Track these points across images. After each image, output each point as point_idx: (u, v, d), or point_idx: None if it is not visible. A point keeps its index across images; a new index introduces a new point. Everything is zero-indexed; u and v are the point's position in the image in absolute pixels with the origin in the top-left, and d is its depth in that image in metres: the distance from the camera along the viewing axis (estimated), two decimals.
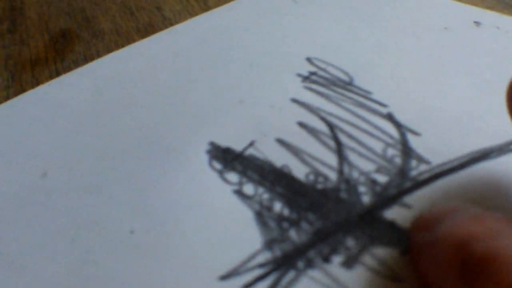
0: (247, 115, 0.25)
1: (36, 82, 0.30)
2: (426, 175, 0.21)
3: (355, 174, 0.22)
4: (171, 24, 0.35)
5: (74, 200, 0.21)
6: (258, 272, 0.18)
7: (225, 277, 0.18)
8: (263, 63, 0.29)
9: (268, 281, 0.18)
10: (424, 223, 0.18)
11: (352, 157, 0.22)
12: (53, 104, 0.27)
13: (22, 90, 0.29)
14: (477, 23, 0.32)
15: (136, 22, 0.36)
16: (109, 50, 0.32)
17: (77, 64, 0.31)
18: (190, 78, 0.28)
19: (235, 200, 0.21)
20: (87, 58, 0.32)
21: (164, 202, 0.21)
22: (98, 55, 0.32)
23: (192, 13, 0.36)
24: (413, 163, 0.22)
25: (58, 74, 0.30)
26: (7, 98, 0.28)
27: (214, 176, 0.22)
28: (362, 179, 0.21)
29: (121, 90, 0.27)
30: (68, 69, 0.31)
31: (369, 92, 0.26)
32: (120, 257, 0.19)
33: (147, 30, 0.35)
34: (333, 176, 0.22)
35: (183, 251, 0.19)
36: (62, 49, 0.33)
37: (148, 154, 0.23)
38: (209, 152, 0.23)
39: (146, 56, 0.30)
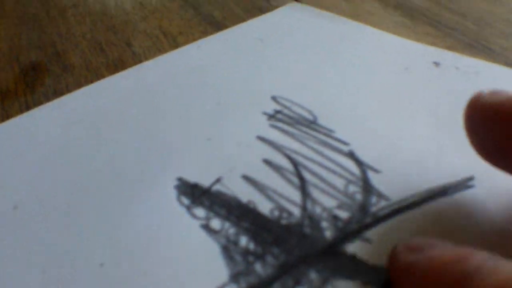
0: (214, 152, 0.26)
1: (6, 115, 0.30)
2: (385, 211, 0.22)
3: (318, 210, 0.22)
4: (141, 60, 0.36)
5: (44, 232, 0.22)
6: None
7: None
8: (231, 101, 0.30)
9: None
10: (409, 247, 0.18)
11: (315, 193, 0.23)
12: (24, 137, 0.27)
13: None
14: (436, 64, 0.34)
15: (106, 57, 0.37)
16: (78, 84, 0.33)
17: (47, 97, 0.32)
18: (159, 114, 0.29)
19: (202, 234, 0.22)
20: (57, 92, 0.32)
21: (133, 236, 0.22)
22: (68, 89, 0.33)
23: (161, 50, 0.37)
24: (374, 199, 0.23)
25: (28, 107, 0.31)
26: None
27: (182, 211, 0.23)
28: (324, 214, 0.22)
29: (91, 125, 0.28)
30: (38, 102, 0.31)
31: (331, 131, 0.27)
32: None
33: (117, 65, 0.35)
34: (296, 211, 0.22)
35: (151, 284, 0.20)
36: (32, 82, 0.34)
37: (118, 188, 0.24)
38: (177, 187, 0.24)
39: (116, 92, 0.31)
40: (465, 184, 0.24)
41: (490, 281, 0.14)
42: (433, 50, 0.36)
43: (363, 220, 0.22)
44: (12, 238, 0.22)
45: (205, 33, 0.40)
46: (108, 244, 0.21)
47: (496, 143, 0.20)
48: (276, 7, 0.45)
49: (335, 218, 0.22)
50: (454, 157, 0.25)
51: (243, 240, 0.21)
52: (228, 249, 0.21)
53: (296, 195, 0.23)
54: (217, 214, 0.22)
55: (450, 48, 0.37)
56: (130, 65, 0.35)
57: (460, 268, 0.15)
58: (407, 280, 0.18)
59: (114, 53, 0.37)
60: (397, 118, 0.28)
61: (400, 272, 0.18)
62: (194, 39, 0.38)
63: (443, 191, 0.23)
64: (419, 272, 0.17)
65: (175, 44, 0.38)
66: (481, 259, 0.15)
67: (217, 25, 0.42)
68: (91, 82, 0.33)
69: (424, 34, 0.40)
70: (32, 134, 0.27)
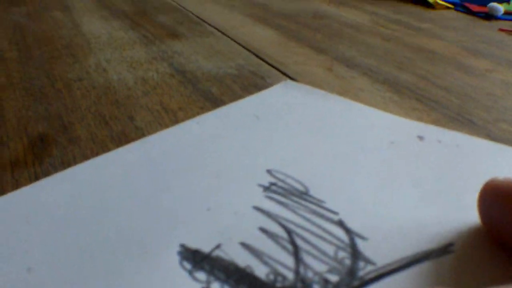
0: (214, 221, 0.28)
1: (16, 183, 0.32)
2: (372, 275, 0.24)
3: (310, 274, 0.24)
4: (143, 134, 0.38)
5: None
6: None
7: None
8: (228, 173, 0.32)
9: None
10: None
11: (307, 259, 0.25)
12: (34, 205, 0.29)
13: (2, 190, 0.31)
14: (420, 137, 0.36)
15: (110, 130, 0.39)
16: (85, 156, 0.35)
17: (55, 167, 0.34)
18: (162, 185, 0.31)
19: None
20: (64, 163, 0.34)
21: None
22: (75, 160, 0.35)
23: (162, 124, 0.40)
24: (361, 264, 0.25)
25: (37, 177, 0.33)
26: None
27: (184, 275, 0.24)
28: (316, 278, 0.24)
29: (98, 195, 0.30)
30: (46, 172, 0.33)
31: (322, 201, 0.29)
32: None
33: (121, 138, 0.38)
34: (290, 275, 0.24)
35: None
36: (40, 153, 0.36)
37: (124, 255, 0.25)
38: (180, 253, 0.26)
39: (121, 164, 0.33)
40: (445, 249, 0.26)
41: None
42: (418, 124, 0.38)
43: (351, 283, 0.24)
44: None
45: (203, 109, 0.42)
46: None
47: (505, 222, 0.23)
48: (271, 84, 0.48)
49: (326, 281, 0.24)
50: (436, 225, 0.27)
51: None
52: None
53: (289, 261, 0.25)
54: (217, 278, 0.24)
55: (435, 121, 0.40)
56: (133, 139, 0.37)
57: None
58: None
59: (118, 127, 0.40)
60: (383, 189, 0.30)
61: None
62: (193, 114, 0.41)
63: (425, 256, 0.25)
64: None
65: (175, 119, 0.41)
66: None
67: (215, 101, 0.44)
68: (97, 154, 0.35)
69: (410, 109, 0.43)
70: (42, 202, 0.29)
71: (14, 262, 0.25)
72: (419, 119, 0.40)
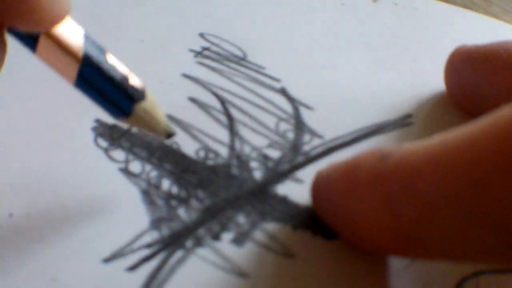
0: None
1: None
2: (319, 150, 0.21)
3: (247, 150, 0.21)
4: None
5: None
6: (144, 252, 0.18)
7: (108, 260, 0.17)
8: (154, 37, 0.27)
9: (155, 262, 0.17)
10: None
11: (244, 132, 0.22)
12: None
13: None
14: None
15: None
16: None
17: None
18: None
19: (121, 178, 0.20)
20: None
21: (46, 183, 0.20)
22: None
23: None
24: (306, 137, 0.22)
25: None
26: None
27: (100, 154, 0.21)
28: (254, 154, 0.21)
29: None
30: None
31: (262, 67, 0.25)
32: None
33: None
34: (224, 152, 0.21)
35: (65, 233, 0.18)
36: None
37: (31, 132, 0.21)
38: (94, 129, 0.22)
39: None
40: (403, 121, 0.23)
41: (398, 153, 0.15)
42: None
43: (295, 159, 0.21)
44: None
45: None
46: (18, 193, 0.19)
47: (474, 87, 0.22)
48: None
49: (265, 157, 0.21)
50: (391, 95, 0.25)
51: (166, 184, 0.20)
52: (149, 194, 0.19)
53: (223, 134, 0.22)
54: (138, 156, 0.21)
55: None
56: None
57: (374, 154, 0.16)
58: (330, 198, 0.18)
59: None
60: (332, 54, 0.27)
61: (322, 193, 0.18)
62: None
63: (380, 129, 0.22)
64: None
65: None
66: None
67: None
68: None
69: None
70: None
71: None
72: None
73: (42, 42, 0.16)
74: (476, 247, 0.14)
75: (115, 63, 0.18)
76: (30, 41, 0.16)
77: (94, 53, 0.17)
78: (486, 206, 0.12)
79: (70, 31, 0.17)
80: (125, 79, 0.17)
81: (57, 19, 0.16)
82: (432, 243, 0.14)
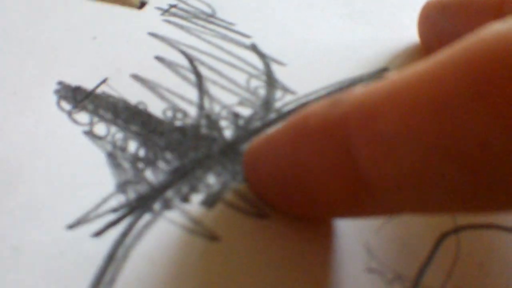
0: (100, 52, 0.23)
1: None
2: (291, 106, 0.21)
3: (217, 108, 0.20)
4: None
5: None
6: (110, 217, 0.17)
7: (73, 226, 0.17)
8: None
9: (122, 226, 0.17)
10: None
11: (213, 90, 0.21)
12: None
13: None
14: None
15: None
16: None
17: None
18: (38, 16, 0.25)
19: (85, 141, 0.19)
20: None
21: (7, 148, 0.19)
22: None
23: None
24: (278, 94, 0.21)
25: None
26: None
27: (63, 117, 0.20)
28: (224, 113, 0.20)
29: None
30: None
31: (232, 24, 0.24)
32: None
33: None
34: (193, 111, 0.20)
35: (26, 199, 0.17)
36: None
37: None
38: (57, 91, 0.21)
39: None
40: (379, 75, 0.22)
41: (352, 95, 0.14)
42: None
43: (267, 116, 0.20)
44: None
45: None
46: None
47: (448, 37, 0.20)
48: None
49: (236, 116, 0.20)
50: (365, 50, 0.24)
51: (132, 146, 0.19)
52: (114, 156, 0.18)
53: (192, 93, 0.21)
54: (102, 119, 0.20)
55: None
56: None
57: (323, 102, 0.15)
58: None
59: None
60: (305, 9, 0.26)
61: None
62: None
63: (354, 83, 0.22)
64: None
65: None
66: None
67: None
68: None
69: None
70: None
71: None
72: None
73: None
74: (440, 189, 0.13)
75: None
76: None
77: None
78: (449, 137, 0.12)
79: None
80: None
81: None
82: (394, 189, 0.13)
